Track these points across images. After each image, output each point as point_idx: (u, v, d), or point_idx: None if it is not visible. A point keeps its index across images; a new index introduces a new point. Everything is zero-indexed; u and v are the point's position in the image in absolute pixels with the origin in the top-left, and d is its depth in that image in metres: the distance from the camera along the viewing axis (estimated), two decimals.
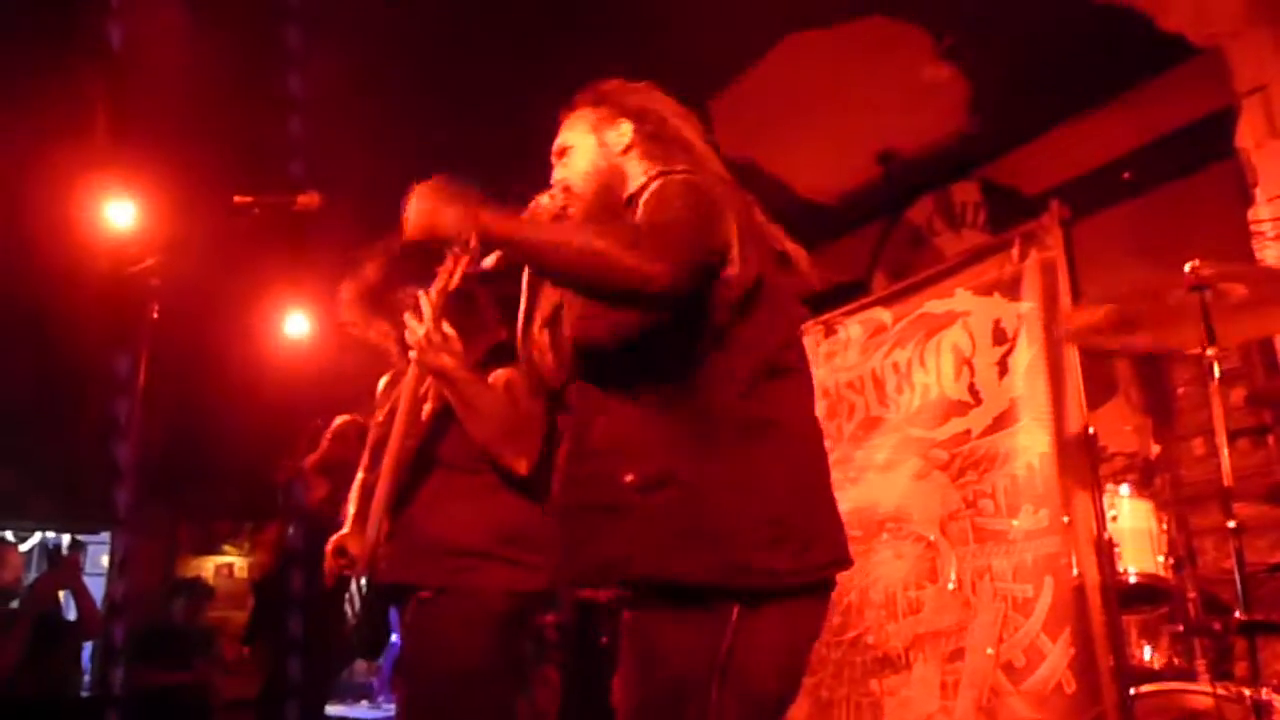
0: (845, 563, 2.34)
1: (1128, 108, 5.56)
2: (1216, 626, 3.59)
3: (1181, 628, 3.84)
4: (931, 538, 4.45)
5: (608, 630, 2.40)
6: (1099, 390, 4.33)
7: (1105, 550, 3.77)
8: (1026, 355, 4.21)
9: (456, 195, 2.45)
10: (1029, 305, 4.23)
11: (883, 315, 4.91)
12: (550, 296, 2.65)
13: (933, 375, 4.60)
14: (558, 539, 2.44)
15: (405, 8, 5.10)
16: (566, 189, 2.62)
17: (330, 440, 4.86)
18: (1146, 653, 3.99)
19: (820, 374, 4.99)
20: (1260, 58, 4.86)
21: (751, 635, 2.15)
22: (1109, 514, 3.86)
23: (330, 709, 7.11)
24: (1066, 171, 5.74)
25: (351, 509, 3.47)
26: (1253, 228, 4.75)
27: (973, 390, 4.41)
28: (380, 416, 3.49)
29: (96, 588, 7.18)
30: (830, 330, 5.12)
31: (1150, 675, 3.84)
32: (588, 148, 2.62)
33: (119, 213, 5.76)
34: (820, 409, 4.85)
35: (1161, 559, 3.91)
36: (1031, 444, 4.13)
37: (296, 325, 7.59)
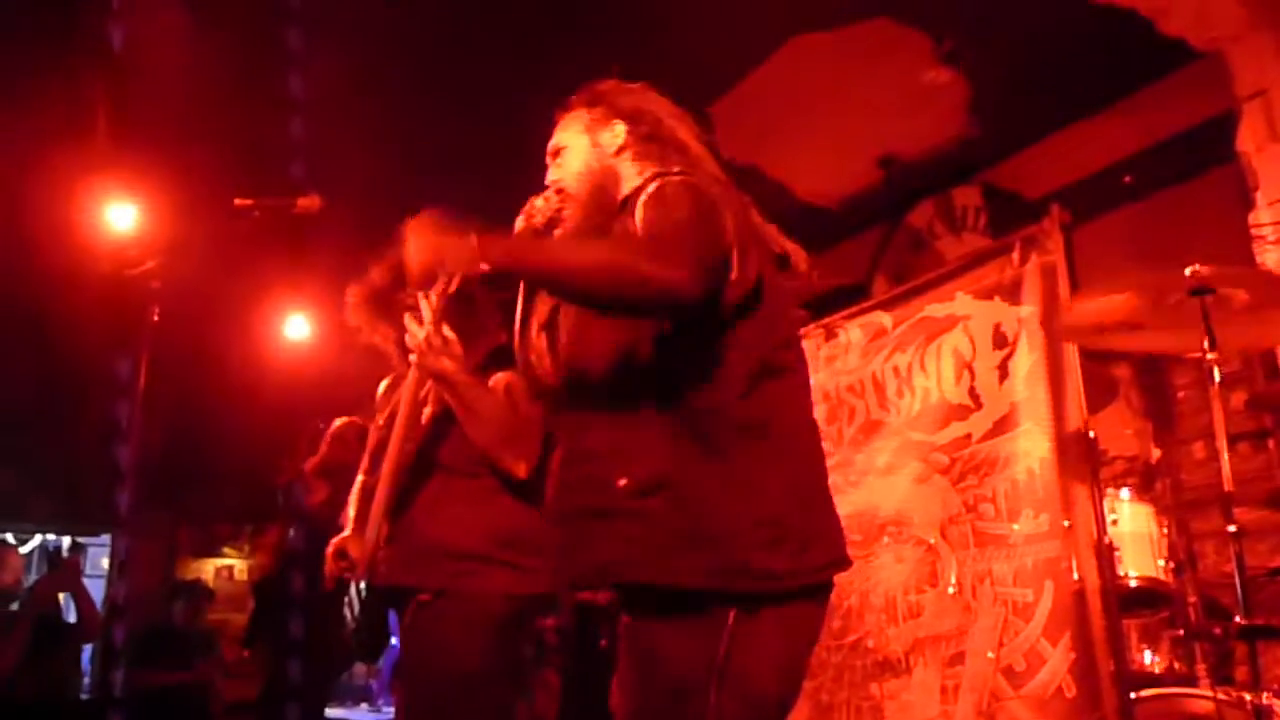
0: (844, 563, 2.33)
1: (1129, 112, 5.57)
2: (1217, 631, 3.58)
3: (1182, 632, 3.84)
4: (932, 541, 4.45)
5: (607, 633, 2.39)
6: (1099, 394, 4.32)
7: (1105, 554, 3.77)
8: (1027, 359, 4.21)
9: (453, 229, 2.45)
10: (1029, 309, 4.23)
11: (883, 319, 4.91)
12: (547, 300, 2.65)
13: (933, 379, 4.60)
14: (554, 543, 2.43)
15: (406, 10, 5.10)
16: (560, 190, 2.62)
17: (329, 443, 4.86)
18: (1147, 657, 3.99)
19: (821, 378, 4.99)
20: (1261, 62, 4.86)
21: (749, 639, 2.14)
22: (1109, 518, 3.86)
23: (330, 711, 7.11)
24: (1067, 175, 5.75)
25: (351, 512, 3.47)
26: (1253, 232, 4.75)
27: (973, 394, 4.41)
28: (380, 420, 3.49)
29: (96, 590, 7.18)
30: (831, 334, 5.12)
31: (1151, 680, 3.84)
32: (581, 149, 2.62)
33: (120, 215, 5.76)
34: (821, 413, 4.88)
35: (1162, 563, 3.91)
36: (1032, 448, 4.13)
37: (297, 328, 7.59)
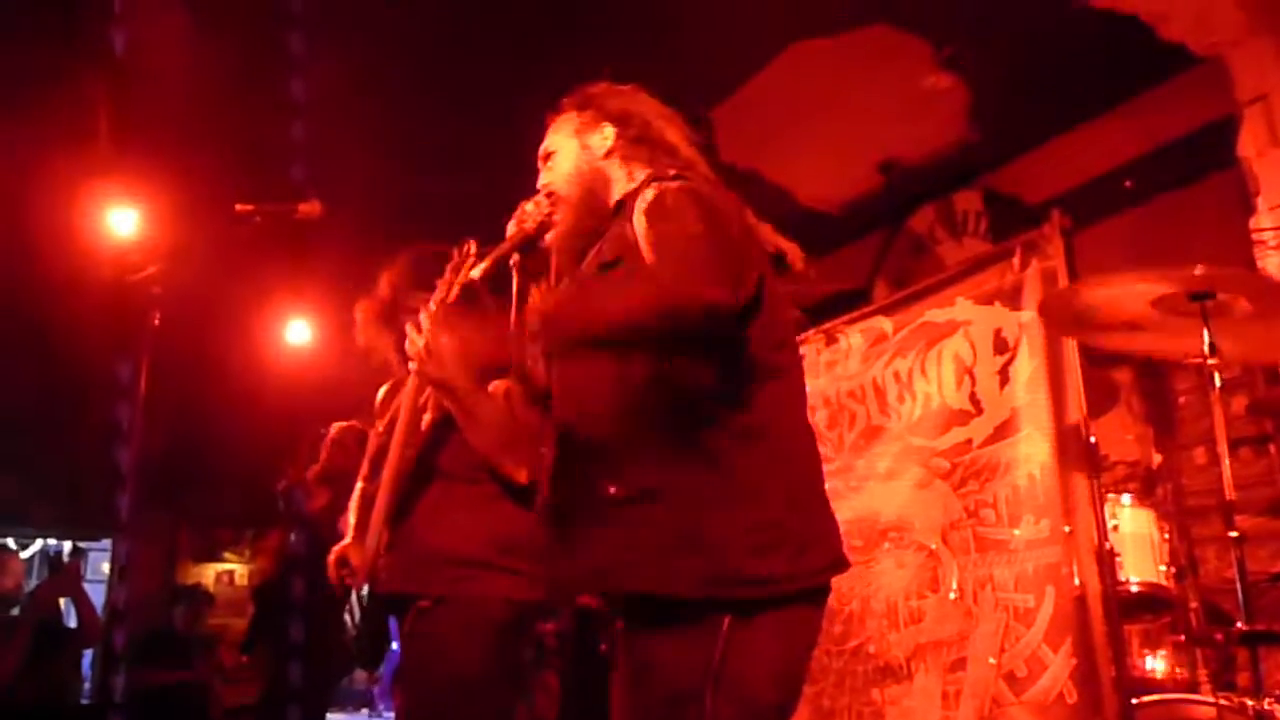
0: (842, 566, 2.32)
1: (1129, 117, 5.57)
2: (1218, 637, 3.58)
3: (1183, 638, 3.84)
4: (933, 547, 4.44)
5: (607, 637, 2.38)
6: (1100, 399, 4.32)
7: (1107, 560, 3.76)
8: (1028, 364, 4.21)
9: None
10: (1030, 314, 4.22)
11: (884, 324, 4.91)
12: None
13: (934, 384, 4.59)
14: (543, 547, 2.43)
15: (407, 14, 5.11)
16: (551, 193, 2.62)
17: (329, 448, 4.85)
18: (1148, 663, 3.99)
19: (821, 383, 4.99)
20: (1261, 67, 4.87)
21: (745, 644, 2.13)
22: (1110, 523, 3.85)
23: (330, 716, 7.12)
24: (1068, 180, 5.75)
25: (352, 519, 3.47)
26: (1254, 237, 4.76)
27: (974, 399, 4.40)
28: (380, 426, 3.49)
29: (97, 595, 7.18)
30: (831, 339, 5.11)
31: (1152, 686, 3.84)
32: (571, 152, 2.62)
33: (121, 220, 5.75)
34: (821, 418, 4.89)
35: (1163, 568, 3.91)
36: (1033, 453, 4.12)
37: (298, 333, 7.60)
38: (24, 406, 8.15)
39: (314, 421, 5.28)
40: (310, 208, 3.47)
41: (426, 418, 3.32)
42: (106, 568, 10.52)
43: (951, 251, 6.50)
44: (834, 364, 5.07)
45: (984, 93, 5.80)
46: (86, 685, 7.92)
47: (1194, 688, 3.74)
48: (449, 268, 3.12)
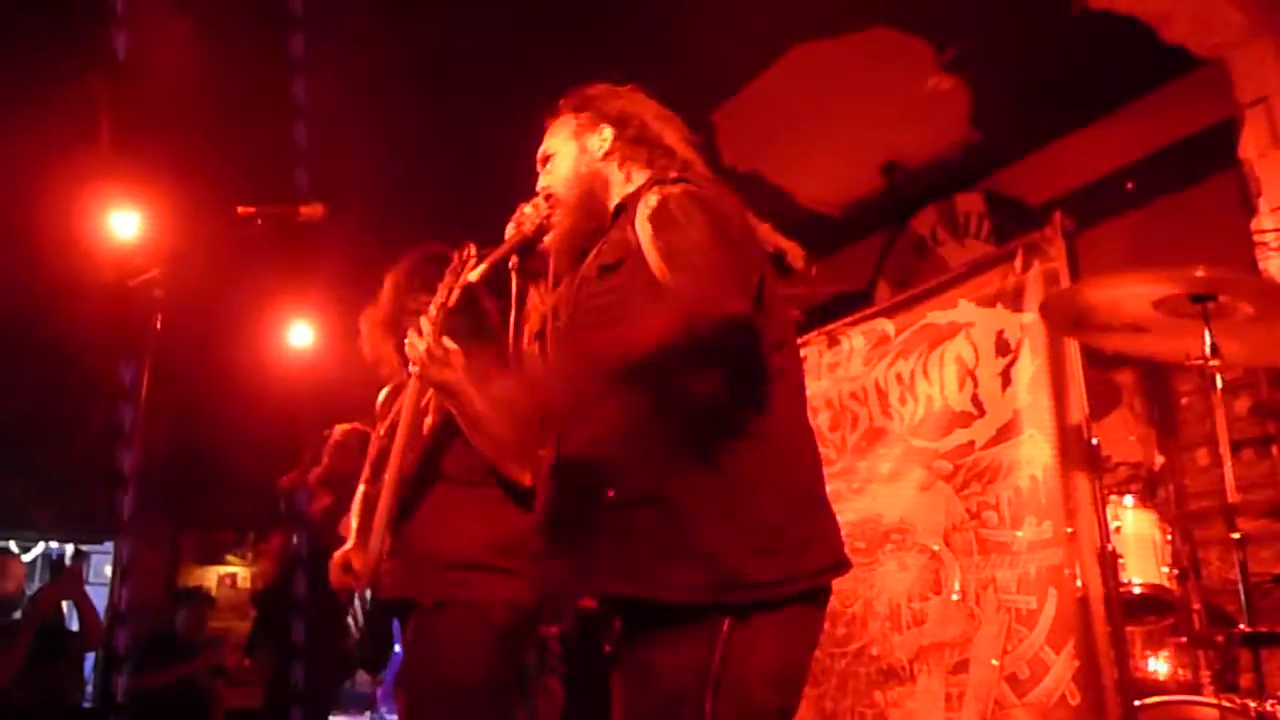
0: (842, 567, 2.31)
1: (1131, 119, 5.58)
2: (1221, 639, 3.58)
3: (1186, 639, 3.83)
4: (935, 549, 4.44)
5: (610, 639, 2.37)
6: (1103, 401, 4.33)
7: (1109, 561, 3.76)
8: (1030, 366, 4.21)
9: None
10: (1032, 316, 4.22)
11: (886, 326, 4.91)
12: (539, 309, 2.65)
13: (936, 386, 4.59)
14: (539, 549, 2.42)
15: (409, 18, 5.11)
16: (550, 196, 2.63)
17: (332, 451, 4.86)
18: (1151, 665, 3.99)
19: (823, 385, 4.99)
20: (1262, 69, 4.87)
21: (746, 646, 2.12)
22: (1113, 525, 3.85)
23: (333, 719, 7.11)
24: (1070, 182, 5.76)
25: (354, 523, 3.47)
26: (1256, 238, 4.76)
27: (976, 401, 4.40)
28: (381, 430, 3.49)
29: (99, 598, 7.15)
30: (833, 341, 5.11)
31: (1155, 688, 3.84)
32: (569, 154, 2.62)
33: (123, 223, 5.77)
34: (824, 420, 4.89)
35: (1166, 570, 3.91)
36: (1035, 455, 4.12)
37: (300, 335, 7.60)
38: (26, 409, 8.16)
39: (316, 424, 5.29)
40: (312, 210, 3.47)
41: (428, 421, 3.32)
42: (109, 571, 10.51)
43: (954, 253, 6.50)
44: (836, 366, 5.07)
45: (986, 95, 5.80)
46: (89, 688, 7.91)
47: (1196, 689, 3.74)
48: (449, 271, 3.12)
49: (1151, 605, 3.94)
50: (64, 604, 7.21)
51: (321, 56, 5.32)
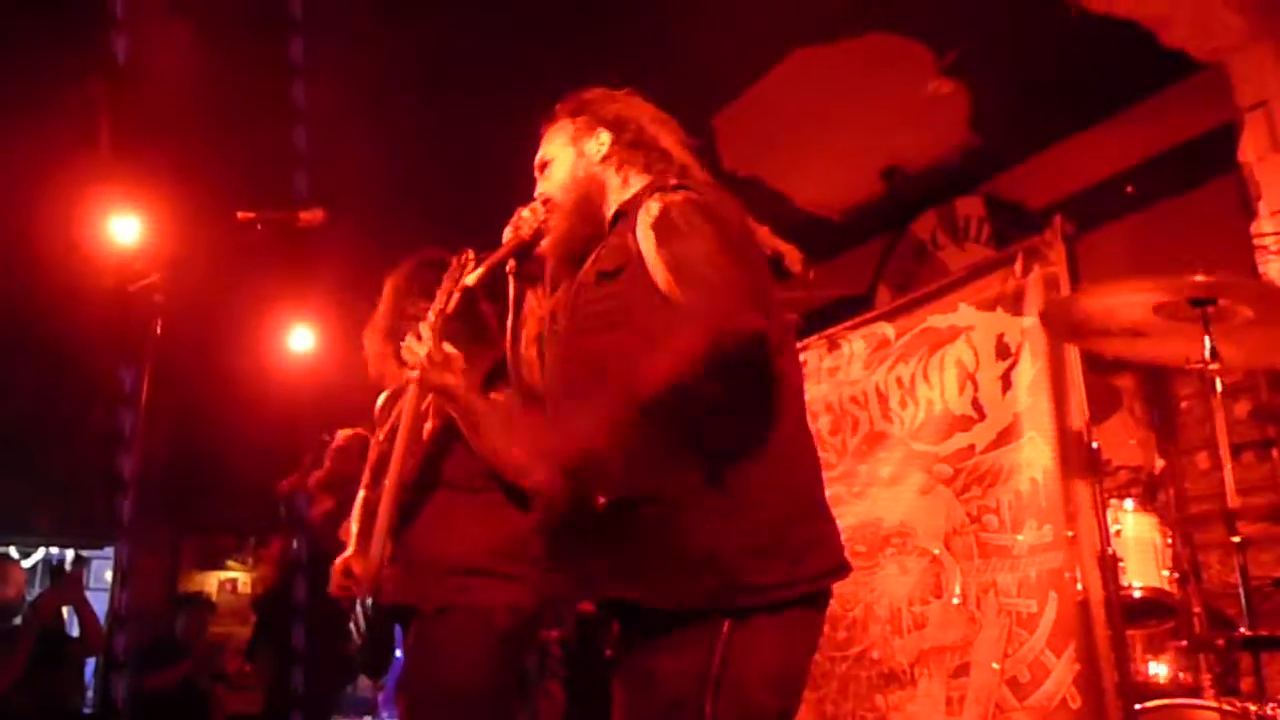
0: (841, 570, 2.31)
1: (1130, 122, 5.58)
2: (1221, 642, 3.57)
3: (1186, 643, 3.83)
4: (936, 553, 4.44)
5: (610, 644, 2.37)
6: (1102, 404, 4.32)
7: (1109, 565, 3.76)
8: (1030, 370, 4.21)
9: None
10: (1032, 320, 4.22)
11: (886, 330, 4.91)
12: (537, 314, 2.65)
13: (936, 390, 4.59)
14: (538, 553, 2.42)
15: (409, 23, 5.12)
16: (547, 201, 2.63)
17: (334, 456, 4.86)
18: (1151, 668, 3.98)
19: (824, 389, 4.99)
20: (1262, 73, 4.87)
21: (745, 650, 2.12)
22: (1113, 528, 3.85)
23: None
24: (1069, 186, 5.76)
25: (354, 528, 3.46)
26: (1255, 242, 4.76)
27: (976, 405, 4.40)
28: (381, 435, 3.49)
29: (100, 603, 7.15)
30: (834, 345, 5.11)
31: (1155, 691, 3.83)
32: (567, 160, 2.62)
33: (124, 228, 5.77)
34: (824, 424, 4.89)
35: (1166, 574, 3.90)
36: (1035, 458, 4.12)
37: (300, 340, 7.60)
38: (26, 415, 8.16)
39: (317, 429, 5.29)
40: (312, 215, 3.48)
41: (428, 426, 3.32)
42: (109, 576, 10.49)
43: (954, 257, 6.50)
44: (836, 370, 5.06)
45: (985, 98, 5.81)
46: (89, 693, 7.91)
47: (1197, 693, 3.73)
48: (447, 277, 3.12)
49: (1152, 609, 3.94)
50: (64, 609, 7.21)
51: (321, 59, 5.32)
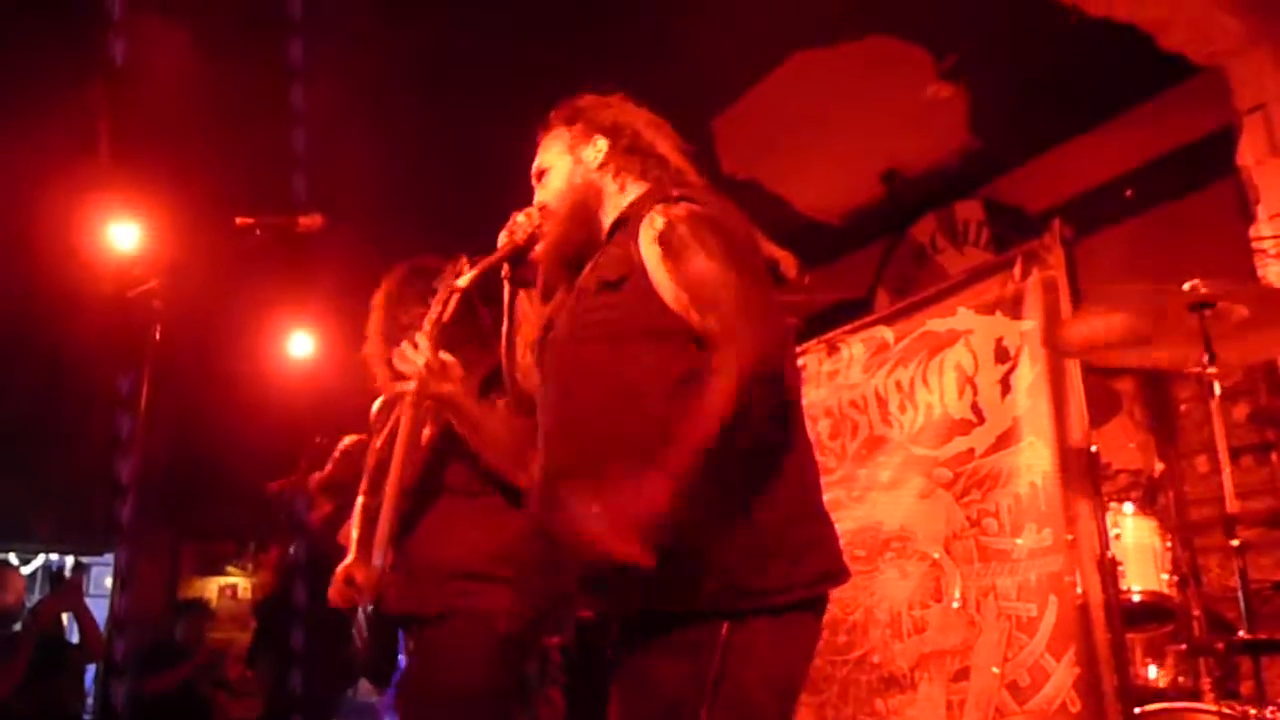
0: (839, 575, 2.31)
1: (1129, 126, 5.59)
2: (1220, 646, 3.57)
3: (1186, 647, 3.83)
4: (936, 557, 4.44)
5: (611, 647, 2.36)
6: (1102, 408, 4.32)
7: (1109, 569, 3.75)
8: (1029, 373, 4.20)
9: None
10: (1031, 324, 4.22)
11: (885, 333, 4.90)
12: (533, 320, 2.65)
13: (935, 394, 4.59)
14: (534, 558, 2.42)
15: (408, 27, 5.12)
16: (543, 208, 2.64)
17: (337, 460, 4.86)
18: (1151, 672, 3.98)
19: (823, 393, 4.99)
20: (1260, 76, 4.88)
21: (742, 654, 2.13)
22: (1113, 532, 3.85)
23: None
24: (1069, 189, 5.77)
25: (355, 535, 3.46)
26: (1254, 245, 4.76)
27: (975, 409, 4.39)
28: (378, 441, 3.49)
29: (99, 610, 7.15)
30: (833, 349, 5.10)
31: (1155, 695, 3.83)
32: (564, 167, 2.63)
33: (123, 234, 5.77)
34: (823, 428, 4.88)
35: (1166, 577, 3.90)
36: (1035, 462, 4.11)
37: (299, 345, 7.61)
38: (26, 420, 8.16)
39: (316, 434, 5.28)
40: (311, 221, 3.47)
41: (426, 432, 3.32)
42: (109, 583, 10.48)
43: (953, 261, 6.51)
44: (835, 374, 5.06)
45: (985, 102, 5.81)
46: (89, 700, 7.91)
47: (1197, 696, 3.73)
48: (443, 285, 3.12)
49: (1151, 612, 3.94)
50: (64, 616, 7.21)
51: (320, 61, 5.33)
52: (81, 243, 5.86)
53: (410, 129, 5.69)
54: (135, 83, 5.35)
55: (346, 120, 5.51)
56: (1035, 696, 3.93)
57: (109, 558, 10.26)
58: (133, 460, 3.75)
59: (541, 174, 2.67)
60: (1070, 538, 3.92)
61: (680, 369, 2.25)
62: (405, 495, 3.20)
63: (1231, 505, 3.32)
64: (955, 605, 4.31)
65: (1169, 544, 3.96)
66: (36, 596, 8.39)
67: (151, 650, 7.68)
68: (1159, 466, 4.51)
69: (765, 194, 6.35)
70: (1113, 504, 4.01)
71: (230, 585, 10.58)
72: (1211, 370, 3.34)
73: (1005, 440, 4.25)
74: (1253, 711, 3.26)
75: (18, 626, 6.63)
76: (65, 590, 7.04)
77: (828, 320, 5.30)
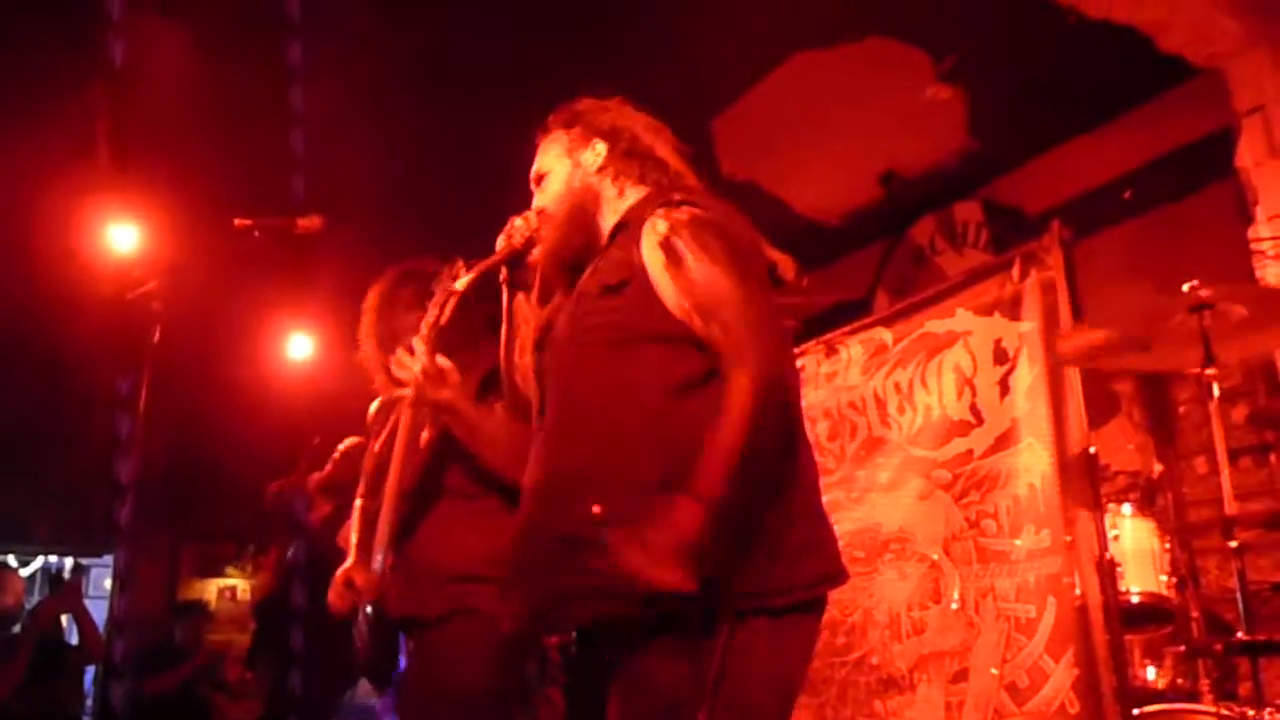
0: (838, 577, 2.31)
1: (1128, 128, 5.59)
2: (1219, 647, 3.57)
3: (1184, 648, 3.83)
4: (935, 558, 4.44)
5: (611, 648, 2.36)
6: (1100, 409, 4.32)
7: (1107, 570, 3.76)
8: (1028, 375, 4.21)
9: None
10: (1030, 325, 4.22)
11: (884, 335, 4.91)
12: (532, 324, 2.65)
13: (934, 395, 4.59)
14: (517, 568, 2.41)
15: (408, 29, 5.12)
16: (540, 212, 2.63)
17: (338, 462, 4.86)
18: (1150, 673, 3.98)
19: (822, 394, 4.99)
20: (1259, 78, 4.88)
21: (741, 656, 2.13)
22: (1111, 533, 3.85)
23: None
24: (1067, 191, 5.77)
25: (354, 538, 3.46)
26: (1253, 246, 4.76)
27: (974, 410, 4.40)
28: (376, 444, 3.49)
29: (99, 611, 7.15)
30: (831, 350, 5.11)
31: (1153, 696, 3.83)
32: (563, 171, 2.63)
33: (122, 236, 5.77)
34: (822, 429, 4.89)
35: (1164, 579, 3.90)
36: (1033, 464, 4.12)
37: (298, 347, 7.60)
38: (25, 422, 8.15)
39: (315, 436, 5.28)
40: (310, 222, 3.47)
41: (424, 435, 3.31)
42: (108, 584, 10.48)
43: (952, 262, 6.51)
44: (834, 375, 5.06)
45: (984, 103, 5.81)
46: (88, 701, 7.91)
47: (1195, 698, 3.73)
48: (439, 288, 3.12)
49: (1150, 614, 3.94)
50: (63, 618, 7.21)
51: (320, 62, 5.33)
52: (81, 244, 5.85)
53: (410, 130, 5.69)
54: (135, 83, 5.35)
55: (346, 121, 5.51)
56: (1034, 698, 3.93)
57: (108, 559, 10.25)
58: (132, 462, 3.76)
59: (540, 178, 2.67)
60: (1069, 539, 3.92)
61: (681, 372, 2.26)
62: (404, 498, 3.20)
63: (1230, 507, 3.32)
64: (954, 606, 4.31)
65: (1168, 545, 3.96)
66: (36, 598, 8.38)
67: (151, 652, 7.68)
68: (1158, 468, 4.51)
69: (764, 195, 6.35)
70: (1111, 505, 4.00)
71: (229, 587, 10.57)
72: (1210, 372, 3.34)
73: (1004, 442, 4.25)
74: (1251, 713, 3.26)
75: (17, 628, 6.63)
76: (64, 592, 7.04)
77: (826, 321, 5.31)
